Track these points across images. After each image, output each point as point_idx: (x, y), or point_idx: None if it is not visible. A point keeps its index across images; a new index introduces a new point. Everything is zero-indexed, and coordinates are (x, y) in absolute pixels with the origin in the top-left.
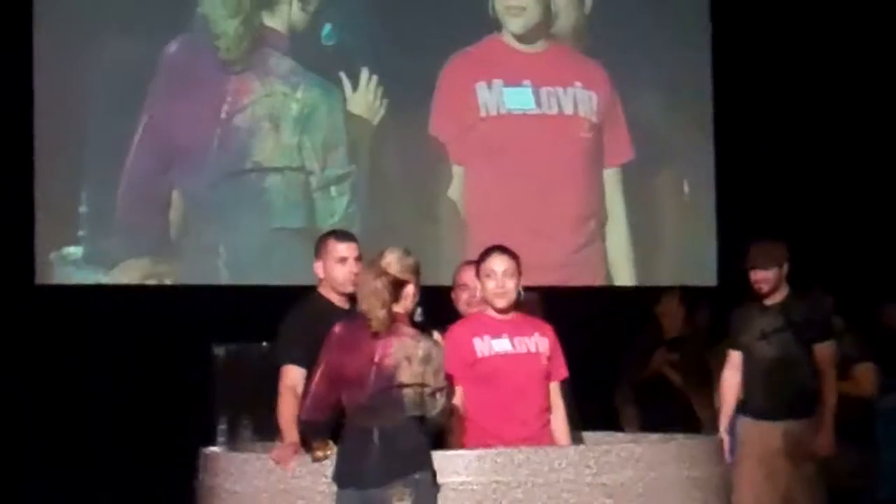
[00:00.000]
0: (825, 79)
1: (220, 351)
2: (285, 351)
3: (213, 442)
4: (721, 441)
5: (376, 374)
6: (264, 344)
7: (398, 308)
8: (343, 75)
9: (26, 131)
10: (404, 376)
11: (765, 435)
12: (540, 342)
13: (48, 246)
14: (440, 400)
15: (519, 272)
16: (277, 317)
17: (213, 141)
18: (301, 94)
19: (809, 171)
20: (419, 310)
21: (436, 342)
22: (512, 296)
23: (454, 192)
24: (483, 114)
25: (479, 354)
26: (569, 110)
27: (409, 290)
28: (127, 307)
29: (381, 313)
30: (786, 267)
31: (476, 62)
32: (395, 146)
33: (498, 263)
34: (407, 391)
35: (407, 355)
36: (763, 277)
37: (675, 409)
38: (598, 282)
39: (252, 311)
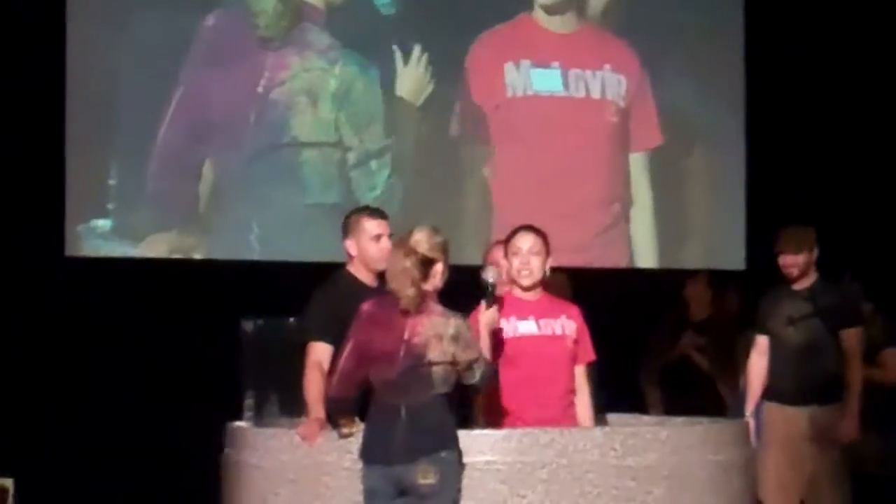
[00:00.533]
0: (859, 62)
1: (248, 325)
2: (313, 327)
3: (239, 417)
4: (747, 425)
5: (406, 352)
6: (292, 319)
7: (427, 286)
8: (396, 48)
9: (58, 104)
10: (434, 354)
11: (790, 420)
12: (566, 325)
13: (77, 218)
14: (478, 370)
15: (547, 251)
16: (307, 293)
17: (249, 115)
18: (339, 69)
19: (841, 157)
20: (494, 271)
21: (465, 319)
22: (537, 274)
23: (482, 172)
24: (510, 94)
25: (505, 335)
26: (596, 94)
27: (438, 268)
28: (157, 280)
29: (412, 291)
30: (815, 252)
31: (505, 41)
32: (428, 125)
33: (524, 241)
34: (436, 369)
35: (437, 333)
36: (792, 262)
37: (701, 392)
38: (622, 264)
39: (282, 287)
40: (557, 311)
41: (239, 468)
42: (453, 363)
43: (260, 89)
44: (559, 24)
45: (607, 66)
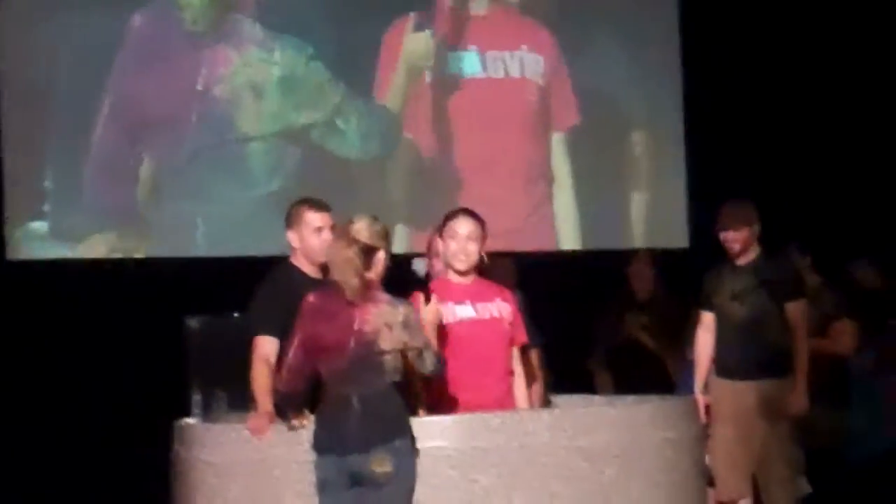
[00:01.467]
0: (797, 33)
1: (192, 322)
2: (258, 321)
3: (187, 414)
4: (696, 402)
5: (356, 342)
6: (237, 315)
7: (370, 275)
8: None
9: None
10: (385, 343)
11: (738, 394)
12: (502, 307)
13: (14, 222)
14: (429, 356)
15: (483, 237)
16: (252, 288)
17: (190, 114)
18: (278, 56)
19: (782, 128)
20: (422, 263)
21: (411, 306)
22: (473, 259)
23: (405, 159)
24: (429, 79)
25: (444, 321)
26: (515, 73)
27: (380, 256)
28: (100, 281)
29: (355, 281)
30: (756, 227)
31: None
32: (355, 112)
33: (462, 226)
34: (387, 357)
35: (387, 322)
36: (733, 238)
37: (650, 371)
38: (548, 246)
39: (227, 283)
40: (492, 294)
41: (189, 465)
42: (403, 350)
43: (199, 87)
44: (472, 7)
45: (524, 47)
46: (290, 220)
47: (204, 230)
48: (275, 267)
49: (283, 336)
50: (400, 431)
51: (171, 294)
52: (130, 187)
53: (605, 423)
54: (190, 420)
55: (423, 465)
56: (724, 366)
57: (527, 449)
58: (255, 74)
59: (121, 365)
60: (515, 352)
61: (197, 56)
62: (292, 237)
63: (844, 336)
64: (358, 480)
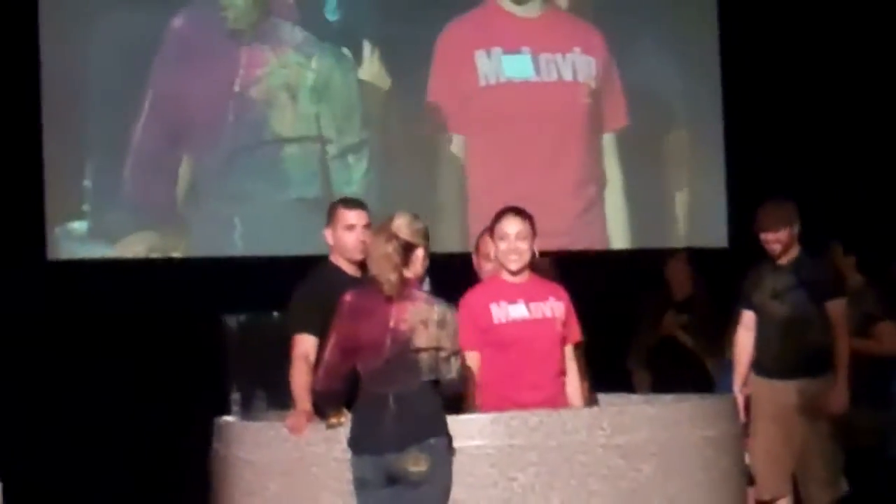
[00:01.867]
0: (835, 36)
1: (231, 321)
2: (297, 320)
3: (227, 412)
4: (735, 400)
5: (392, 340)
6: (275, 313)
7: (408, 273)
8: (346, 50)
9: (34, 107)
10: (420, 341)
11: (778, 393)
12: (555, 306)
13: (54, 221)
14: (455, 364)
15: (533, 233)
16: (290, 286)
17: (227, 114)
18: (316, 63)
19: (821, 130)
20: (427, 279)
21: (451, 306)
22: (525, 258)
23: (456, 160)
24: (483, 83)
25: (496, 321)
26: (568, 77)
27: (419, 254)
28: (140, 280)
29: (393, 277)
30: (796, 226)
31: (473, 29)
32: (401, 115)
33: (511, 225)
34: (423, 355)
35: (423, 319)
36: (774, 238)
37: (688, 370)
38: (599, 246)
39: (266, 282)
40: (545, 293)
41: (228, 463)
42: (439, 349)
43: (237, 87)
44: (524, 10)
45: (576, 49)
46: (328, 218)
47: (241, 230)
48: (314, 266)
49: (322, 334)
50: (435, 430)
51: (210, 292)
52: (170, 187)
53: (643, 421)
54: (229, 418)
55: (461, 463)
56: (765, 365)
57: (565, 447)
58: (290, 77)
59: (161, 363)
60: (568, 350)
61: (236, 57)
62: (328, 234)
63: (887, 337)
64: (394, 479)
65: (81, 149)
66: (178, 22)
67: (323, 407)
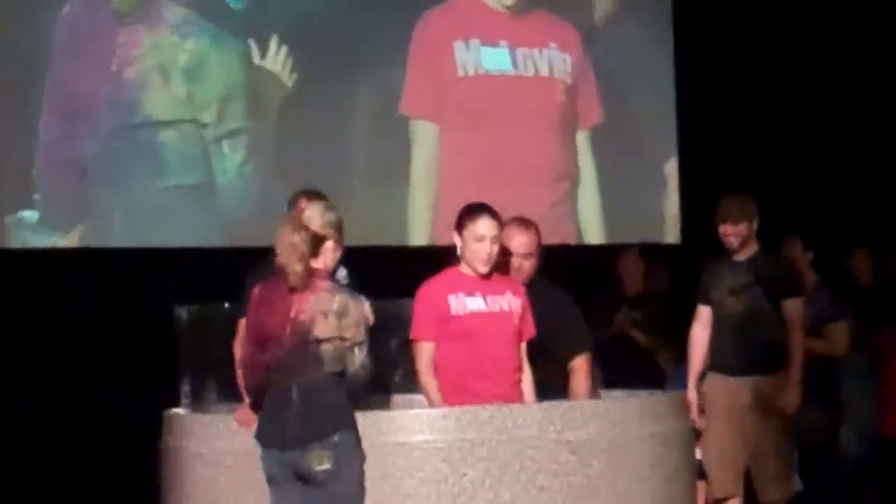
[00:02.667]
0: (789, 27)
1: (182, 312)
2: (243, 304)
3: (177, 404)
4: (685, 397)
5: (292, 330)
6: (227, 305)
7: (317, 264)
8: (251, 41)
9: None
10: (320, 331)
11: (733, 391)
12: (512, 301)
13: (6, 210)
14: (359, 355)
15: (501, 234)
16: (237, 280)
17: (106, 97)
18: (191, 43)
19: (774, 130)
20: (344, 272)
21: (354, 296)
22: (494, 260)
23: (427, 152)
24: (461, 73)
25: (454, 312)
26: (545, 72)
27: (329, 245)
28: (89, 270)
29: (298, 268)
30: (755, 223)
31: (452, 19)
32: (302, 106)
33: (485, 227)
34: (325, 346)
35: (322, 310)
36: (733, 232)
37: (640, 367)
38: (571, 241)
39: (218, 272)
40: (503, 287)
41: (177, 455)
42: (341, 338)
43: (113, 68)
44: (502, 3)
45: (552, 45)
46: (288, 207)
47: (122, 219)
48: (269, 255)
49: None
50: (339, 426)
51: (162, 283)
52: (71, 175)
53: (593, 417)
54: (179, 410)
55: (411, 457)
56: (720, 361)
57: (515, 442)
58: (163, 57)
59: (110, 354)
60: (522, 346)
61: (115, 37)
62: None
63: (838, 338)
64: (300, 477)
65: (28, 139)
66: (67, 8)
67: (256, 402)
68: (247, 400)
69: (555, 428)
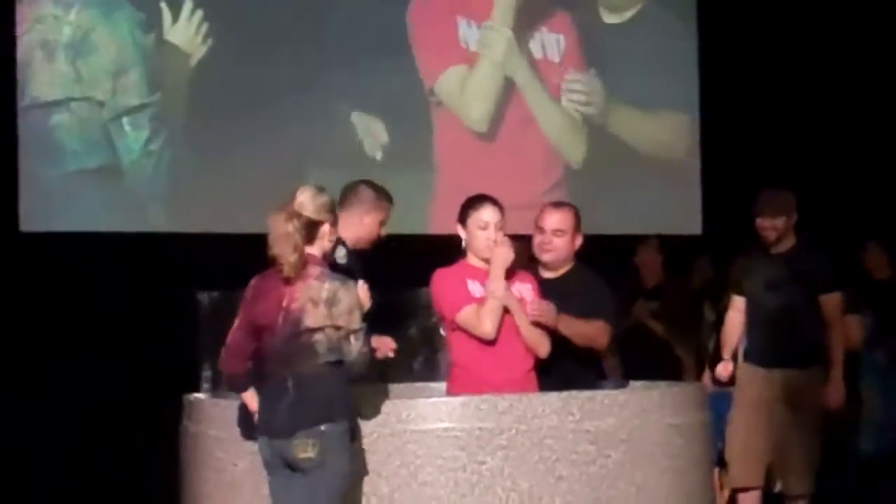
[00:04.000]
0: (811, 29)
1: (204, 297)
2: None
3: (197, 389)
4: (704, 388)
5: (284, 320)
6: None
7: (314, 250)
8: (164, 5)
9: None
10: (310, 320)
11: (764, 383)
12: (523, 288)
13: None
14: (355, 343)
15: (505, 222)
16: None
17: None
18: (74, 16)
19: (797, 122)
20: (343, 251)
21: (345, 282)
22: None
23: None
24: (463, 47)
25: (473, 296)
26: (538, 54)
27: (325, 229)
28: (111, 254)
29: (293, 258)
30: (794, 216)
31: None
32: (213, 83)
33: (491, 216)
34: (318, 336)
35: (312, 298)
36: (770, 225)
37: (658, 357)
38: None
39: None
40: (511, 276)
41: (197, 440)
42: (335, 327)
43: None
44: None
45: (544, 28)
46: (364, 199)
47: (24, 208)
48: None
49: None
50: (330, 416)
51: (184, 268)
52: None
53: (612, 407)
54: (199, 395)
55: (430, 445)
56: (754, 353)
57: (534, 432)
58: (46, 32)
59: (132, 339)
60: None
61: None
62: (352, 217)
63: (852, 331)
64: (289, 465)
65: None
66: None
67: (230, 389)
68: None
69: (574, 418)
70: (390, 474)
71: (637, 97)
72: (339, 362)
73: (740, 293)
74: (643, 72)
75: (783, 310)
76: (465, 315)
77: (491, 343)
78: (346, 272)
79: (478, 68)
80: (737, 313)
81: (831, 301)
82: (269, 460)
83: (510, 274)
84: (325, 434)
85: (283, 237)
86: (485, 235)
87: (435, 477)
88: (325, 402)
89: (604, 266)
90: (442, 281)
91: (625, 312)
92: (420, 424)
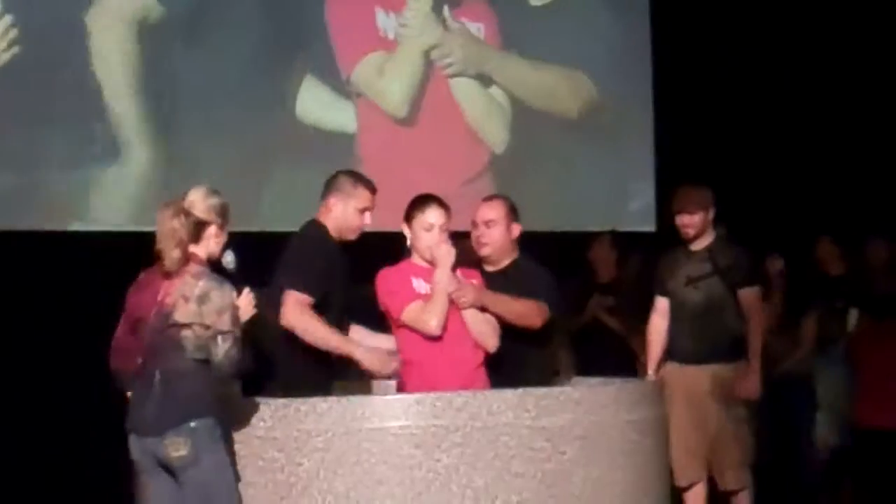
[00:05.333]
0: (764, 29)
1: None
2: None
3: None
4: (660, 384)
5: (156, 313)
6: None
7: (199, 250)
8: None
9: None
10: (179, 315)
11: (692, 379)
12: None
13: None
14: (222, 345)
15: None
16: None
17: None
18: None
19: (751, 119)
20: (231, 256)
21: (221, 283)
22: None
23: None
24: (382, 36)
25: (419, 292)
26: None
27: (212, 231)
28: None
29: (175, 253)
30: (711, 212)
31: None
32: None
33: (437, 217)
34: (186, 332)
35: (184, 294)
36: (689, 222)
37: (613, 353)
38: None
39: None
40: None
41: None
42: (204, 325)
43: None
44: None
45: (463, 19)
46: (340, 188)
47: None
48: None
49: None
50: (198, 413)
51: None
52: None
53: (568, 404)
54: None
55: (385, 443)
56: (679, 351)
57: (490, 429)
58: None
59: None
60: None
61: None
62: (335, 203)
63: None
64: (162, 464)
65: None
66: None
67: (120, 387)
68: (354, 354)
69: (529, 414)
70: (346, 473)
71: (592, 93)
72: (207, 361)
73: (664, 293)
74: (597, 66)
75: (705, 306)
76: (411, 312)
77: (439, 339)
78: (233, 278)
79: (397, 51)
80: (659, 318)
81: (750, 294)
82: (140, 459)
83: (455, 270)
84: (196, 430)
85: (168, 233)
86: (429, 237)
87: (390, 475)
88: (190, 399)
89: (557, 262)
90: (387, 279)
91: (579, 308)
92: (375, 422)
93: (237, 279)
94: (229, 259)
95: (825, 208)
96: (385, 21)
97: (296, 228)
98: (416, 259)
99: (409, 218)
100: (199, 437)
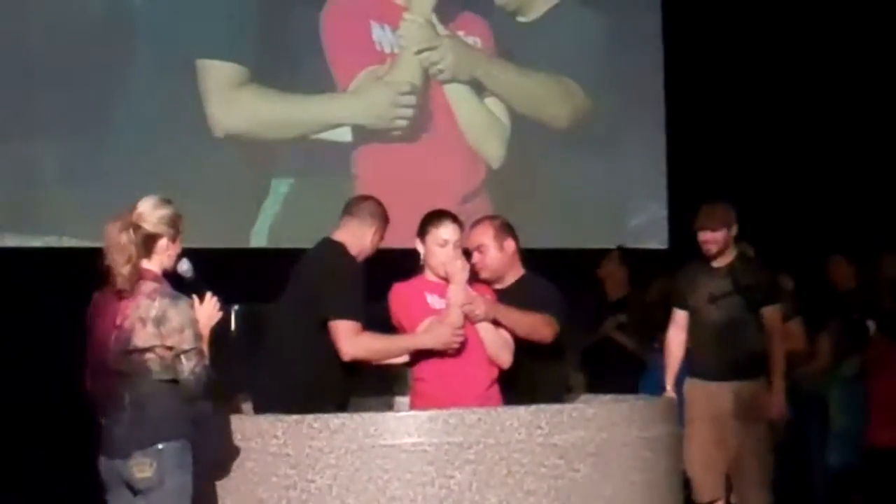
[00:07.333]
0: (776, 44)
1: (232, 310)
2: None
3: None
4: (674, 401)
5: (116, 338)
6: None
7: (152, 265)
8: None
9: None
10: (139, 339)
11: (713, 396)
12: None
13: None
14: (186, 363)
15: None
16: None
17: None
18: None
19: (763, 135)
20: (187, 265)
21: (176, 300)
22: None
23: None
24: (378, 49)
25: (433, 308)
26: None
27: (163, 243)
28: None
29: (126, 269)
30: (734, 229)
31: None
32: None
33: (451, 233)
34: (149, 355)
35: (141, 317)
36: (711, 238)
37: (626, 370)
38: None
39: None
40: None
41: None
42: (166, 347)
43: None
44: None
45: (460, 32)
46: (368, 212)
47: None
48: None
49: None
50: (166, 435)
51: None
52: None
53: (581, 421)
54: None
55: (398, 460)
56: (699, 368)
57: (503, 446)
58: None
59: None
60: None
61: None
62: (359, 227)
63: (797, 334)
64: (129, 486)
65: None
66: None
67: (98, 410)
68: (419, 342)
69: (542, 431)
70: (358, 489)
71: (600, 105)
72: (176, 381)
73: (684, 307)
74: (608, 80)
75: (727, 324)
76: (426, 328)
77: (452, 356)
78: (192, 286)
79: (395, 64)
80: (678, 331)
81: (772, 313)
82: (107, 480)
83: (468, 285)
84: (163, 452)
85: (116, 248)
86: (443, 253)
87: (403, 492)
88: (159, 421)
89: (568, 279)
90: (400, 295)
91: (592, 326)
92: (388, 439)
93: (197, 286)
94: (185, 268)
95: (834, 226)
96: (381, 34)
97: (296, 244)
98: (429, 275)
99: (422, 234)
100: (165, 460)
